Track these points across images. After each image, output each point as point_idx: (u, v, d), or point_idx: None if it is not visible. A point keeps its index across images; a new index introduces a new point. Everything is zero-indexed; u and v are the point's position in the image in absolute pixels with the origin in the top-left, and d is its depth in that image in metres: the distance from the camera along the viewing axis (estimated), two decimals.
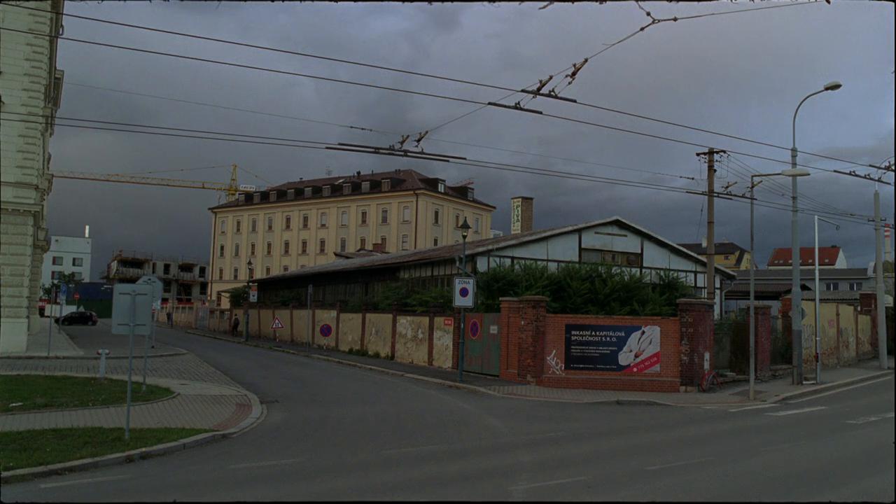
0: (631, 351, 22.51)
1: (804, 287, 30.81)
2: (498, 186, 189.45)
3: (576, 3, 9.93)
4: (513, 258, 29.75)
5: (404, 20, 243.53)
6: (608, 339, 22.63)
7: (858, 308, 37.97)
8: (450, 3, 11.38)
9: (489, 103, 13.49)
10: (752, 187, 22.52)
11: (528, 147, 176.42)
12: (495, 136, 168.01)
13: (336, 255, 70.85)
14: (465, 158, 15.34)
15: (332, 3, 9.46)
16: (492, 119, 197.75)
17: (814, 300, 28.51)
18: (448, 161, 14.04)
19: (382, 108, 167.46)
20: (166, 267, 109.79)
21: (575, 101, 13.29)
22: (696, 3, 10.83)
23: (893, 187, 28.20)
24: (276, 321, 42.26)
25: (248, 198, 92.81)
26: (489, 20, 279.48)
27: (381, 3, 10.64)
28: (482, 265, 29.03)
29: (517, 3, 9.89)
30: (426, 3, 9.97)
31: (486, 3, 11.05)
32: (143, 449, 11.56)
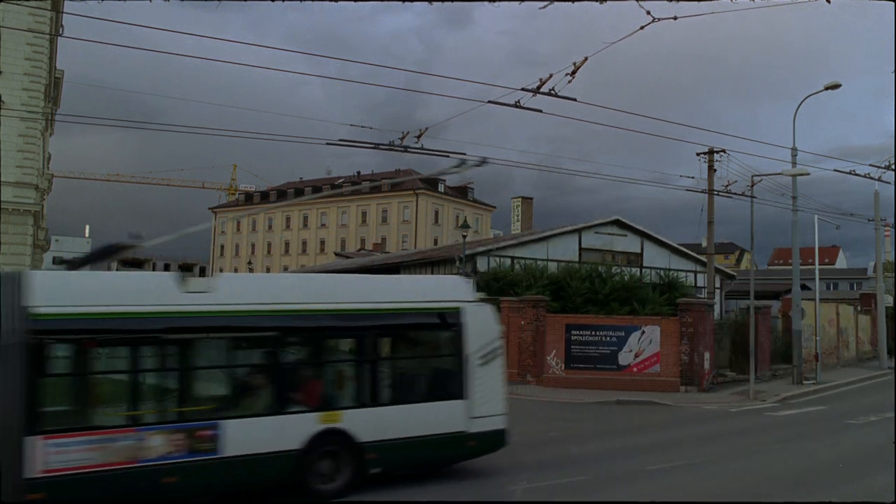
0: (631, 351, 22.48)
1: (804, 287, 30.78)
2: (504, 186, 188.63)
3: (579, 3, 9.93)
4: (513, 258, 29.72)
5: (416, 17, 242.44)
6: (608, 338, 22.61)
7: (858, 308, 37.93)
8: (450, 3, 11.41)
9: (489, 101, 13.50)
10: (752, 186, 22.52)
11: (537, 145, 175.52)
12: (504, 134, 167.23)
13: (336, 255, 70.83)
14: (464, 154, 15.29)
15: (333, 2, 9.45)
16: (500, 116, 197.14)
17: (814, 300, 28.49)
18: (448, 157, 14.03)
19: (391, 106, 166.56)
20: (166, 267, 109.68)
21: (575, 100, 13.30)
22: (695, 2, 10.85)
23: (893, 187, 28.16)
24: None
25: (249, 198, 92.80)
26: (502, 17, 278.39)
27: (386, 2, 10.63)
28: (482, 265, 29.01)
29: (518, 2, 9.90)
30: (427, 3, 9.97)
31: (486, 2, 11.03)
32: None
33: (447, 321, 10.64)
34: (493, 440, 10.72)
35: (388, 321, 10.43)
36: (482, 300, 11.20)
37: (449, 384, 10.56)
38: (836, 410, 19.33)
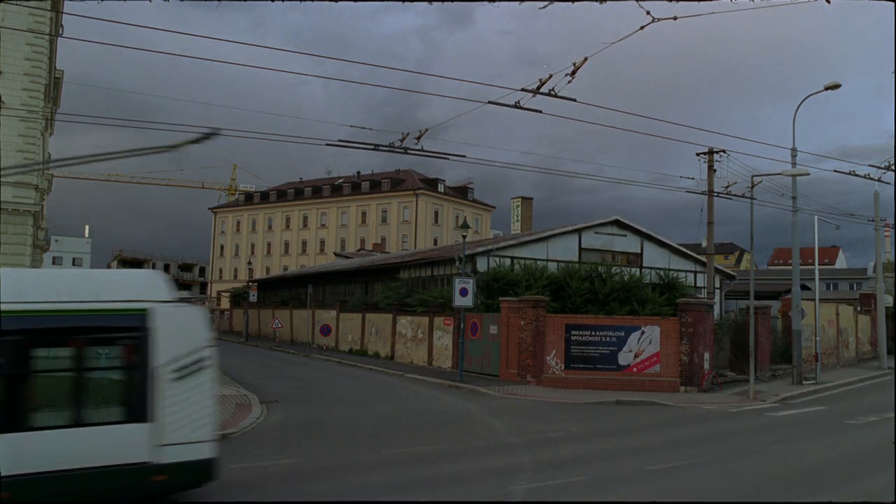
0: (631, 351, 22.49)
1: (804, 287, 30.80)
2: (504, 186, 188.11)
3: (579, 3, 9.93)
4: (513, 258, 29.73)
5: (417, 17, 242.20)
6: (608, 339, 22.61)
7: (858, 308, 37.94)
8: (450, 3, 11.41)
9: (489, 102, 13.51)
10: (752, 187, 22.51)
11: (538, 146, 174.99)
12: (505, 134, 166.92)
13: (336, 255, 70.84)
14: (464, 156, 15.40)
15: (332, 2, 9.47)
16: (501, 117, 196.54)
17: (814, 300, 28.49)
18: (448, 158, 14.14)
19: (391, 106, 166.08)
20: (166, 267, 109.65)
21: (575, 100, 13.30)
22: (695, 2, 10.85)
23: (893, 187, 28.18)
24: (276, 321, 42.22)
25: (248, 198, 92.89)
26: (503, 17, 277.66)
27: (386, 2, 10.64)
28: (482, 265, 29.01)
29: (518, 2, 9.90)
30: (427, 3, 9.98)
31: (486, 2, 11.05)
32: None
33: (126, 326, 8.67)
34: (191, 473, 8.66)
35: (31, 325, 8.32)
36: (184, 300, 9.40)
37: (126, 404, 8.65)
38: (835, 411, 19.33)
